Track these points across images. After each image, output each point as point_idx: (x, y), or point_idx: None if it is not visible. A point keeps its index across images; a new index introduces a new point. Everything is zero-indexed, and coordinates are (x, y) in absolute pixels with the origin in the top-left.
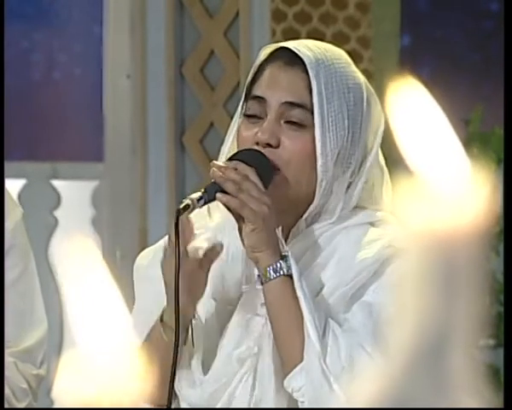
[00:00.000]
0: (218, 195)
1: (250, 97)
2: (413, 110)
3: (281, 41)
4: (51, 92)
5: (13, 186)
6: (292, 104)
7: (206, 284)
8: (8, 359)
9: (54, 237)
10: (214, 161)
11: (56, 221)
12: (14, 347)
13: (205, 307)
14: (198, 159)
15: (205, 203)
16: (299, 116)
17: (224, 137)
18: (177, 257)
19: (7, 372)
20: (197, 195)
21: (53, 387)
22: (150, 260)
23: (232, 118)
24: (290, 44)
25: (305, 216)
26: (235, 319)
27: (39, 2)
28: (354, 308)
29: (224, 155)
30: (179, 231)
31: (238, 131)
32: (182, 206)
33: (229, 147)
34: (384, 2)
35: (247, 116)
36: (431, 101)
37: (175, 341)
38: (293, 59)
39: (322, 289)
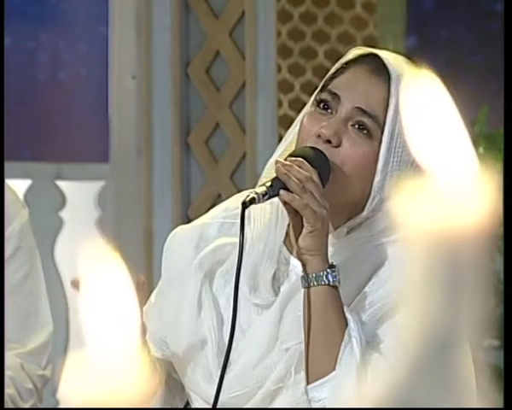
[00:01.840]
0: (282, 192)
1: (326, 89)
2: (425, 108)
3: (286, 41)
4: (57, 93)
5: (18, 187)
6: (364, 112)
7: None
8: (14, 359)
9: (59, 238)
10: (278, 159)
11: (61, 222)
12: (19, 348)
13: (230, 297)
14: (203, 159)
15: (269, 198)
16: (368, 126)
17: (228, 137)
18: (241, 247)
19: (13, 373)
20: (262, 189)
21: (58, 388)
22: (182, 244)
23: (237, 118)
24: (381, 53)
25: (347, 226)
26: (265, 322)
27: (45, 3)
28: (384, 328)
29: (286, 142)
30: (244, 223)
31: (302, 120)
32: (248, 199)
33: (289, 141)
34: (390, 3)
35: (318, 104)
36: (446, 97)
37: (231, 327)
38: (380, 68)
39: (353, 304)
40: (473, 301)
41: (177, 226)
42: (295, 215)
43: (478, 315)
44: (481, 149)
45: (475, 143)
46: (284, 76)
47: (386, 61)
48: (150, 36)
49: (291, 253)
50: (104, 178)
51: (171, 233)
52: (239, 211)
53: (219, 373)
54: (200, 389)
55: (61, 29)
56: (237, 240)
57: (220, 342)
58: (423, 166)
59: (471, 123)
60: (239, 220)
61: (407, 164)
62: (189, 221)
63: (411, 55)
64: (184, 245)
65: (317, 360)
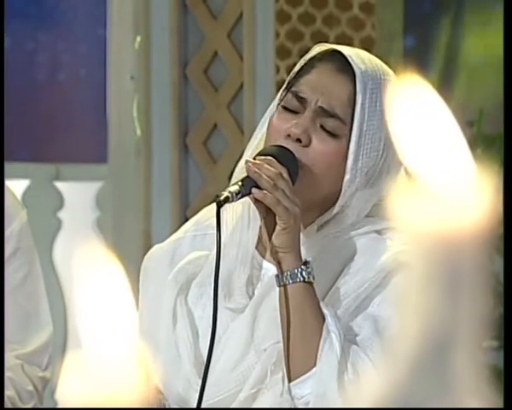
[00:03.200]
0: (254, 190)
1: (291, 91)
2: (417, 110)
3: (284, 42)
4: (55, 93)
5: (16, 187)
6: (325, 111)
7: None
8: (14, 361)
9: (57, 239)
10: (247, 158)
11: (60, 223)
12: (20, 349)
13: (206, 311)
14: (201, 160)
15: (241, 196)
16: (331, 125)
17: (227, 137)
18: (219, 245)
19: (13, 374)
20: (235, 188)
21: (57, 388)
22: (158, 262)
23: (235, 119)
24: (345, 50)
25: (317, 223)
26: (239, 325)
27: (44, 4)
28: (359, 320)
29: (256, 139)
30: (220, 221)
31: (270, 119)
32: (222, 198)
33: (259, 138)
34: (387, 4)
35: (284, 108)
36: (437, 100)
37: (212, 331)
38: (345, 66)
39: (327, 298)
40: (472, 303)
41: (175, 227)
42: (267, 214)
43: (477, 316)
44: (479, 151)
45: (473, 144)
46: (282, 77)
47: (349, 59)
48: (148, 36)
49: (263, 257)
50: (102, 178)
51: (148, 254)
52: (210, 222)
53: (199, 382)
54: (180, 399)
55: (59, 30)
56: (209, 252)
57: (197, 353)
58: (415, 170)
59: (469, 124)
60: (210, 232)
61: (376, 160)
62: (187, 222)
63: (409, 56)
64: (159, 262)
65: (297, 358)
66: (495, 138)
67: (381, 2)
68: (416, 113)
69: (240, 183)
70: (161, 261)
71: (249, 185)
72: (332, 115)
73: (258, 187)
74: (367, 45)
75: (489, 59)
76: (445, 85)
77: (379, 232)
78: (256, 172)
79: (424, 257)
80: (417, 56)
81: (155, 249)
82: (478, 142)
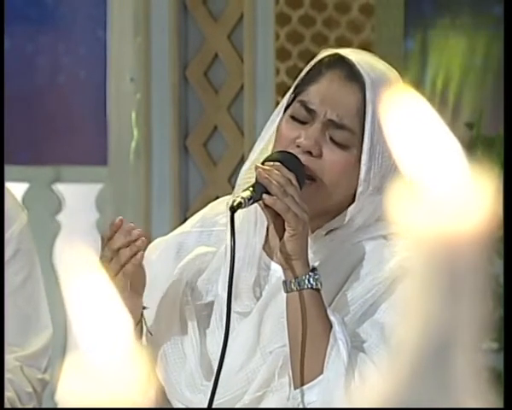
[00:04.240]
0: (265, 196)
1: (299, 101)
2: (411, 118)
3: (285, 44)
4: (55, 95)
5: (16, 190)
6: (334, 124)
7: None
8: (13, 363)
9: (57, 242)
10: (257, 164)
11: (59, 225)
12: (19, 351)
13: (213, 309)
14: (201, 162)
15: (253, 202)
16: (340, 136)
17: (227, 140)
18: (233, 251)
19: (12, 376)
20: (247, 194)
21: (56, 389)
22: (162, 254)
23: (235, 121)
24: (354, 57)
25: (325, 228)
26: (246, 327)
27: (44, 6)
28: (366, 327)
29: (263, 141)
30: (234, 227)
31: (279, 127)
32: (235, 203)
33: (267, 140)
34: (387, 6)
35: (292, 117)
36: (428, 108)
37: (225, 333)
38: (354, 73)
39: (334, 303)
40: (472, 305)
41: (175, 229)
42: (276, 220)
43: (476, 318)
44: (479, 152)
45: (473, 146)
46: (282, 79)
47: (358, 67)
48: (148, 38)
49: (271, 258)
50: (102, 180)
51: (150, 245)
52: (217, 219)
53: (204, 382)
54: (184, 398)
55: (59, 32)
56: (216, 249)
57: (203, 351)
58: (413, 177)
59: (469, 126)
60: (217, 228)
61: (388, 169)
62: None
63: (409, 59)
64: (164, 255)
65: (304, 364)
66: (494, 140)
67: (381, 5)
68: (411, 120)
69: (251, 188)
70: (166, 254)
71: (260, 191)
72: (341, 127)
73: (268, 193)
74: (366, 48)
75: (489, 60)
76: (444, 87)
77: (385, 237)
78: (266, 177)
79: (426, 262)
80: (417, 59)
81: (158, 242)
82: (477, 143)
